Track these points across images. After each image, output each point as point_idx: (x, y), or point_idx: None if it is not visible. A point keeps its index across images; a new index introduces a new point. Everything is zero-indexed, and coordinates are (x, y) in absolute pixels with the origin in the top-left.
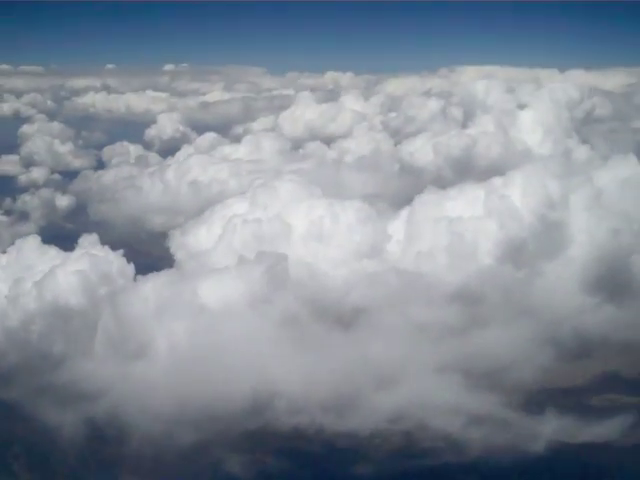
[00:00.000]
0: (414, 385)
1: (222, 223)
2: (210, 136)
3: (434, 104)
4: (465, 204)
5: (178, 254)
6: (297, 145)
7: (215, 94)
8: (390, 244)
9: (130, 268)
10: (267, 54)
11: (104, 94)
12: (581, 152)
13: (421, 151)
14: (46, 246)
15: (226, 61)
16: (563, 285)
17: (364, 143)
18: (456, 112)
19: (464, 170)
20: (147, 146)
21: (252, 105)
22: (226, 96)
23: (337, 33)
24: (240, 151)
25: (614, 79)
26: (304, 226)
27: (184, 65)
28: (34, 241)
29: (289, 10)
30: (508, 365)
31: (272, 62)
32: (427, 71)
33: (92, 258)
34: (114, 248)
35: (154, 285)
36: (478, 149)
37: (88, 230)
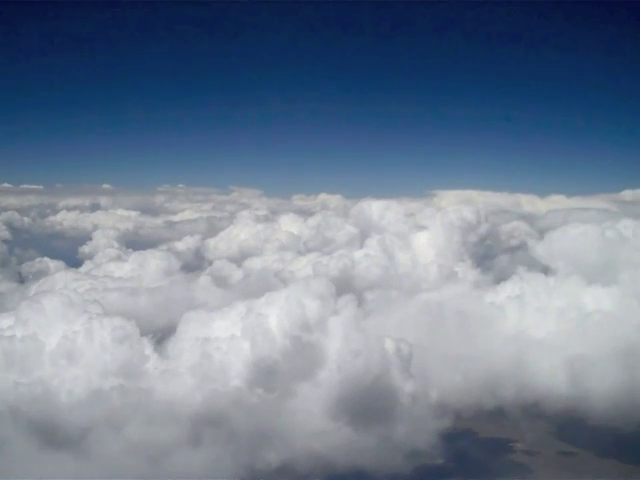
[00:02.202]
0: None
1: None
2: (111, 252)
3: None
4: (230, 323)
5: None
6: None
7: (185, 213)
8: (150, 363)
9: None
10: (267, 176)
11: (76, 212)
12: (469, 276)
13: (302, 271)
14: None
15: (228, 182)
16: (308, 408)
17: (269, 262)
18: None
19: (340, 291)
20: (78, 263)
21: (216, 224)
22: (195, 215)
23: (334, 159)
24: (124, 268)
25: (594, 205)
26: (57, 343)
27: (180, 186)
28: None
29: (289, 133)
30: None
31: (272, 184)
32: (421, 195)
33: None
34: None
35: None
36: (357, 270)
37: None
